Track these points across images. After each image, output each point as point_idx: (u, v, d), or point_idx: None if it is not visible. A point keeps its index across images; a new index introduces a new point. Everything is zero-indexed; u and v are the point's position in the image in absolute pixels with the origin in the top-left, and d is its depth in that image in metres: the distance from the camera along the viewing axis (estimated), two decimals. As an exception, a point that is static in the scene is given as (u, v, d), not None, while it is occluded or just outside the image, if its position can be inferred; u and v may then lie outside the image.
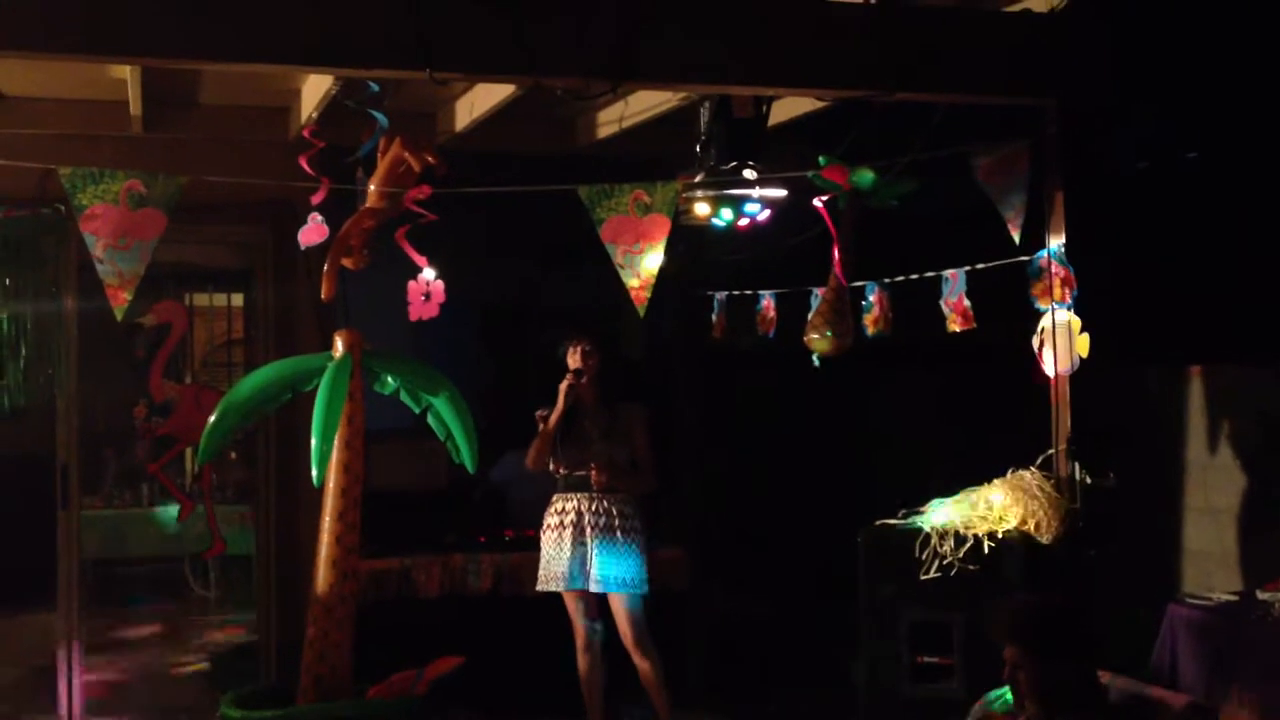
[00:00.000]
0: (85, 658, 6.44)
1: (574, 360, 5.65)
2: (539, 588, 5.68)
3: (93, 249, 4.35)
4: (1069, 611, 3.50)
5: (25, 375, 5.95)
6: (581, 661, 5.71)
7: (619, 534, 5.54)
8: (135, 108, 5.82)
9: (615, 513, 5.56)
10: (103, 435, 8.93)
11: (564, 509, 5.64)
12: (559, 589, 5.63)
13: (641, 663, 5.59)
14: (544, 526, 5.69)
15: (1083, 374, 4.75)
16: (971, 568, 4.57)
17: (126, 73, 5.41)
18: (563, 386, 5.60)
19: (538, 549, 6.18)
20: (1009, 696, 3.51)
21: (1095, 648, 3.49)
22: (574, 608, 5.68)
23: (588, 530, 5.56)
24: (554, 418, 5.63)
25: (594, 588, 5.56)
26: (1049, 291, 4.79)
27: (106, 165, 4.48)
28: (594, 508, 5.58)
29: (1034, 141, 4.88)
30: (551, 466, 5.70)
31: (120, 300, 4.36)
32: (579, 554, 5.56)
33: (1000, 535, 4.61)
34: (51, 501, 6.22)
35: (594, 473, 5.59)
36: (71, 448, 6.23)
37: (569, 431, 5.66)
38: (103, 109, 6.10)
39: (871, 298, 5.70)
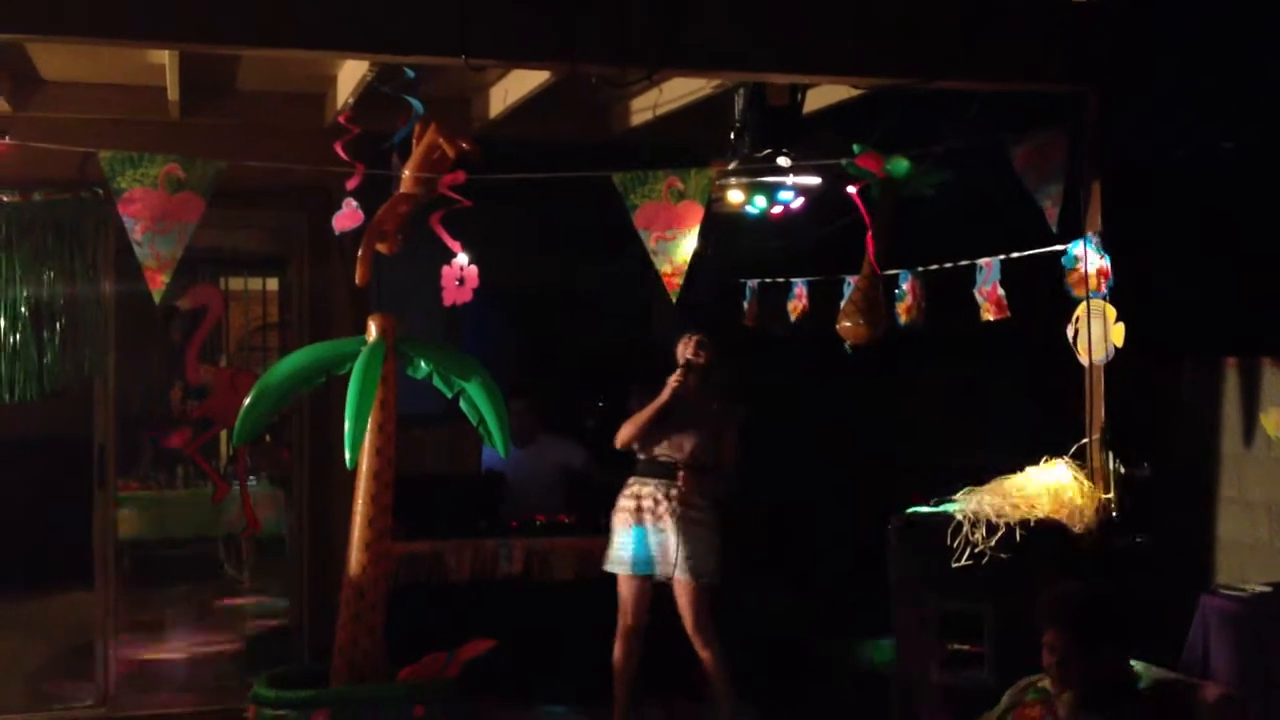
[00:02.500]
0: (121, 637, 6.51)
1: (686, 352, 5.65)
2: (605, 567, 5.70)
3: (132, 232, 4.39)
4: (1115, 599, 3.49)
5: (63, 357, 6.01)
6: (618, 648, 5.69)
7: (686, 522, 5.52)
8: (173, 93, 5.86)
9: (686, 502, 5.54)
10: (139, 417, 9.00)
11: (639, 493, 5.63)
12: (621, 572, 5.65)
13: (702, 652, 5.58)
14: (616, 508, 5.69)
15: (1118, 364, 4.73)
16: (1003, 556, 4.55)
17: (165, 58, 5.44)
18: (671, 381, 5.56)
19: (568, 534, 6.21)
20: (1041, 684, 3.51)
21: (1135, 637, 3.48)
22: (627, 593, 5.66)
23: (660, 517, 5.56)
24: (653, 408, 5.60)
25: (656, 573, 5.57)
26: (1084, 281, 4.76)
27: (145, 149, 4.51)
28: (666, 493, 5.57)
29: (1071, 130, 4.85)
30: (636, 447, 5.69)
31: (158, 283, 4.39)
32: (645, 539, 5.57)
33: (1032, 524, 4.60)
34: (88, 482, 6.29)
35: (681, 482, 5.56)
36: (108, 429, 6.30)
37: (662, 418, 5.66)
38: (141, 94, 6.16)
39: (905, 286, 5.68)
